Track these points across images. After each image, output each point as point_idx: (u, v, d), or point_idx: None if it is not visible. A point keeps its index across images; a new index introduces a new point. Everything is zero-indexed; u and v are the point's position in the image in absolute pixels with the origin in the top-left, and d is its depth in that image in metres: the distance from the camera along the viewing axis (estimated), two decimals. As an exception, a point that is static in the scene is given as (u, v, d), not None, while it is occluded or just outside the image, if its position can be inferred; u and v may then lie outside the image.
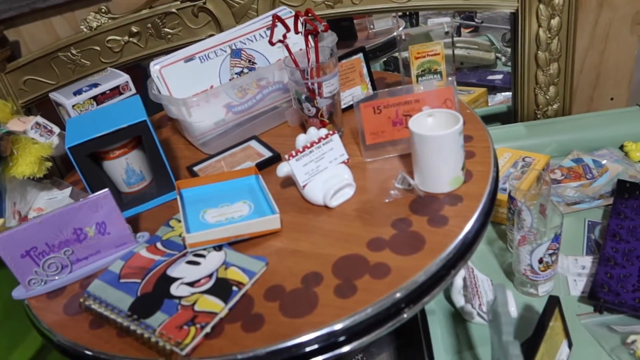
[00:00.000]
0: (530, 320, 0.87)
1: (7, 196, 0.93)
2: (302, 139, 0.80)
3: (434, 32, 1.04)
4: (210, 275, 0.70)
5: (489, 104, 1.79)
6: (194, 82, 1.00)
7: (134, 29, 1.24)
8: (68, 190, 0.99)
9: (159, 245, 0.78)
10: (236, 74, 1.04)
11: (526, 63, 1.24)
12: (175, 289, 0.68)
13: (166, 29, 1.25)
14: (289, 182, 0.84)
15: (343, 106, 1.01)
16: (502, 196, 1.05)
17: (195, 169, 0.97)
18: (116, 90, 1.05)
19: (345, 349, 0.60)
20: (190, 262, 0.73)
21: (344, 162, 0.81)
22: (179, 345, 0.60)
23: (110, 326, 0.67)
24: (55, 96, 1.04)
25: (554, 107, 1.30)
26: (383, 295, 0.62)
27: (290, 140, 0.82)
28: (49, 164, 0.95)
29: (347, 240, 0.72)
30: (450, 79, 1.03)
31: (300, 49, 0.92)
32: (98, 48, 1.25)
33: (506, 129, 1.29)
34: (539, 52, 1.22)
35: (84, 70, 1.27)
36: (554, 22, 1.18)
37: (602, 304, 0.89)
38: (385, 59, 2.03)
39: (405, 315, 0.63)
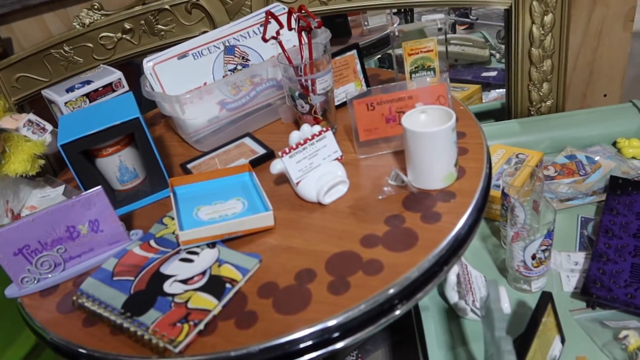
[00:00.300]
0: (524, 316, 0.88)
1: (-1, 194, 0.93)
2: (295, 136, 0.80)
3: (427, 29, 1.04)
4: (203, 273, 0.70)
5: (483, 101, 1.79)
6: (188, 79, 1.00)
7: (127, 26, 1.24)
8: (61, 188, 0.99)
9: (152, 242, 0.78)
10: (230, 71, 1.04)
11: (520, 60, 1.24)
12: (168, 287, 0.68)
13: (159, 26, 1.25)
14: (283, 179, 0.84)
15: (337, 103, 1.01)
16: (495, 193, 1.05)
17: (189, 166, 0.96)
18: (109, 88, 1.05)
19: (339, 345, 0.61)
20: (183, 260, 0.73)
21: (337, 159, 0.81)
22: (172, 342, 0.60)
23: (103, 324, 0.66)
24: (47, 93, 1.04)
25: (548, 103, 1.30)
26: (376, 291, 0.62)
27: (284, 138, 0.82)
28: (42, 161, 0.95)
29: (340, 237, 0.72)
30: (443, 75, 1.03)
31: (294, 46, 0.92)
32: (91, 45, 1.25)
33: (500, 126, 1.29)
34: (532, 48, 1.22)
35: (77, 67, 1.27)
36: (547, 18, 1.18)
37: (594, 299, 0.89)
38: (379, 55, 2.03)
39: (398, 312, 0.63)
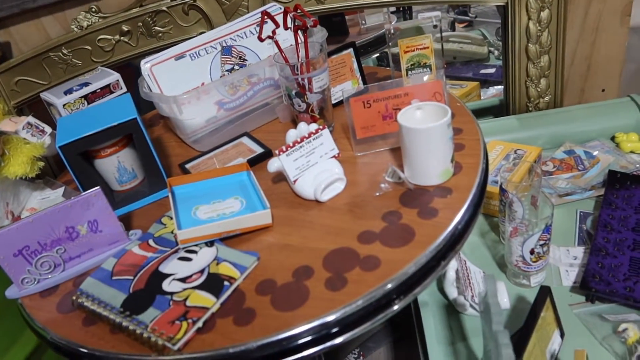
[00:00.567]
0: (523, 311, 0.88)
1: (-1, 196, 0.93)
2: (292, 134, 0.80)
3: (424, 26, 1.04)
4: (202, 271, 0.70)
5: (482, 98, 1.79)
6: (185, 80, 1.00)
7: (125, 28, 1.24)
8: (61, 190, 0.99)
9: (151, 242, 0.78)
10: (227, 71, 1.04)
11: (517, 56, 1.24)
12: (167, 285, 0.69)
13: (157, 28, 1.25)
14: (280, 177, 0.84)
15: (334, 101, 1.01)
16: (494, 188, 1.05)
17: (188, 166, 0.97)
18: (107, 89, 1.05)
19: (337, 340, 0.61)
20: (182, 258, 0.73)
21: (334, 156, 0.81)
22: (171, 340, 0.60)
23: (103, 323, 0.67)
24: (46, 96, 1.04)
25: (546, 99, 1.30)
26: (373, 287, 0.62)
27: (281, 136, 0.83)
28: (41, 163, 0.95)
29: (337, 234, 0.72)
30: (440, 72, 1.03)
31: (291, 45, 0.92)
32: (89, 47, 1.25)
33: (498, 122, 1.29)
34: (529, 44, 1.22)
35: (76, 69, 1.27)
36: (544, 14, 1.18)
37: (593, 293, 0.89)
38: (377, 54, 2.03)
39: (396, 307, 0.63)
